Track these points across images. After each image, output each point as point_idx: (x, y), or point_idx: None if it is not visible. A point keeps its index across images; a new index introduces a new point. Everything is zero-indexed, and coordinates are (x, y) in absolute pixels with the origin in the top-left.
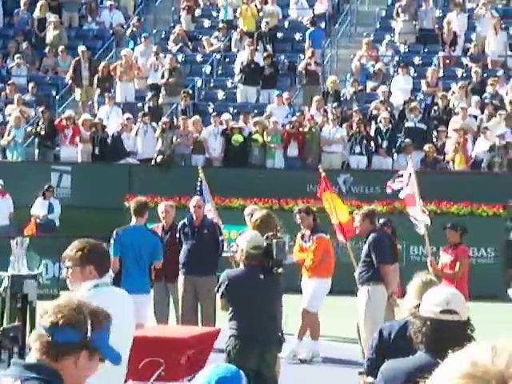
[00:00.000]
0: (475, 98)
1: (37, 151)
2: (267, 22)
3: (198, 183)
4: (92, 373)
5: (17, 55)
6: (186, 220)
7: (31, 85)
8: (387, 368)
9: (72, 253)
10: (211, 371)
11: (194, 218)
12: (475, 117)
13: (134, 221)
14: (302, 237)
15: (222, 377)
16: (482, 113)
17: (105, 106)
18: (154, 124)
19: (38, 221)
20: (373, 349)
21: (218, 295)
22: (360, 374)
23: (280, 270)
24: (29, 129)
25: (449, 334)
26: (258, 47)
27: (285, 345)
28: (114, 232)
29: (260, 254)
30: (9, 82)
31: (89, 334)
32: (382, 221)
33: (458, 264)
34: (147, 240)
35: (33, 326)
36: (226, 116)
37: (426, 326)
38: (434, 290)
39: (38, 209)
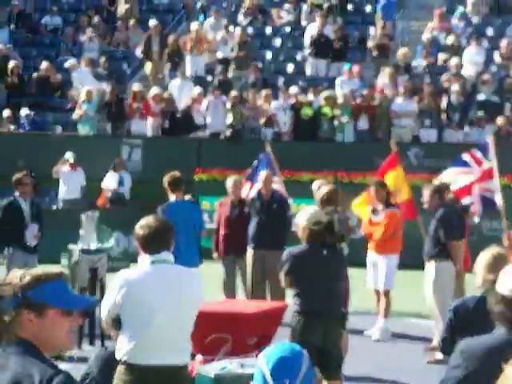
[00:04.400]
0: None
1: (109, 125)
2: None
3: (261, 156)
4: (65, 328)
5: (88, 29)
6: (255, 194)
7: (103, 59)
8: (466, 345)
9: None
10: (273, 350)
11: (264, 192)
12: None
13: (173, 196)
14: (373, 210)
15: (282, 356)
16: None
17: (176, 79)
18: (223, 98)
19: (108, 194)
20: (447, 328)
21: (282, 273)
22: (426, 350)
23: (343, 244)
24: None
25: None
26: (328, 19)
27: (374, 327)
28: (160, 209)
29: (322, 229)
30: (81, 57)
31: (27, 294)
32: (452, 196)
33: None
34: (192, 212)
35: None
36: (295, 89)
37: (505, 303)
38: None
39: (109, 182)
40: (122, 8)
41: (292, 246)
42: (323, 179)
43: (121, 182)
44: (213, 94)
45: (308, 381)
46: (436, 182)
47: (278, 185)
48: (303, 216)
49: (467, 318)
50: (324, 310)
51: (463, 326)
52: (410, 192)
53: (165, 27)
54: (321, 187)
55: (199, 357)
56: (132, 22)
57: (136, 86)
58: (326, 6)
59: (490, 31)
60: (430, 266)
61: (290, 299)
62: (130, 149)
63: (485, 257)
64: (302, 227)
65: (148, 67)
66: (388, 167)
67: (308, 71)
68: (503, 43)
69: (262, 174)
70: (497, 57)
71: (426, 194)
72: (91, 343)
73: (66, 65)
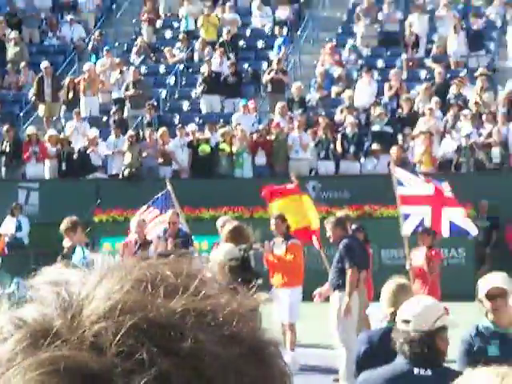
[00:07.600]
0: (435, 99)
1: (3, 169)
2: (229, 31)
3: (160, 195)
4: None
5: None
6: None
7: None
8: (365, 377)
9: None
10: None
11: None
12: (441, 118)
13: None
14: (274, 244)
15: None
16: (444, 114)
17: (71, 121)
18: (120, 137)
19: (6, 239)
20: (355, 363)
21: None
22: (334, 381)
23: (260, 281)
24: None
25: (414, 344)
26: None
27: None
28: None
29: (237, 266)
30: None
31: None
32: (354, 227)
33: (430, 267)
34: None
35: None
36: (191, 127)
37: (399, 335)
38: (408, 301)
39: (7, 227)
40: (11, 51)
41: None
42: (226, 216)
43: (19, 227)
44: (115, 133)
45: None
46: (337, 214)
47: (181, 221)
48: (219, 252)
49: (373, 350)
50: None
51: (370, 357)
52: (314, 221)
53: (56, 69)
54: (225, 224)
55: None
56: (23, 64)
57: (30, 129)
58: (217, 42)
59: (379, 63)
60: (335, 296)
61: None
62: (27, 192)
63: (387, 288)
64: (217, 264)
65: (41, 109)
66: (281, 194)
67: (203, 108)
68: (392, 74)
69: (168, 213)
70: (387, 88)
71: (329, 228)
72: None
73: None
